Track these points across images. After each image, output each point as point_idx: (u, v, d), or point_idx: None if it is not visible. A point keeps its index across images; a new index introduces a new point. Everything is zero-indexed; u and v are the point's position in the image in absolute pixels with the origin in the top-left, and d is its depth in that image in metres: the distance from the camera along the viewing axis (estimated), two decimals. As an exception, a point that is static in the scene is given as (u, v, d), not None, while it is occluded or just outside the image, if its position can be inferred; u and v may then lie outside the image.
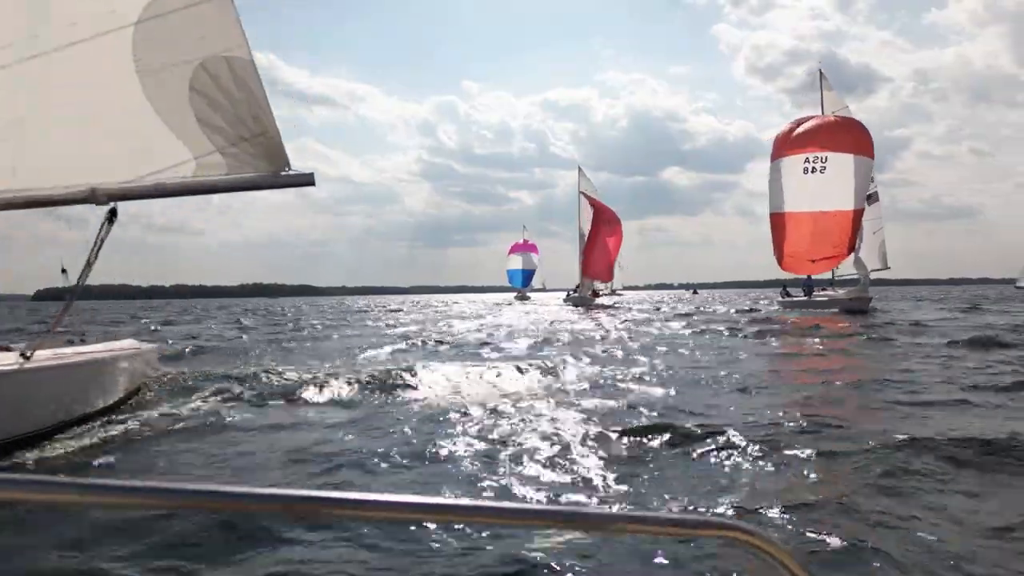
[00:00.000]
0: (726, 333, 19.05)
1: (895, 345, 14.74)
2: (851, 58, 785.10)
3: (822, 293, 32.62)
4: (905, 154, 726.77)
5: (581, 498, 4.32)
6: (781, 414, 6.89)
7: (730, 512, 3.99)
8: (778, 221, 30.74)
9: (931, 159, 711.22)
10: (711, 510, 4.00)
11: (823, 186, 29.04)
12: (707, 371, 10.37)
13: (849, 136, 29.40)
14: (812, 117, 31.38)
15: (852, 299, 29.52)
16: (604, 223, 51.46)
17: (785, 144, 30.50)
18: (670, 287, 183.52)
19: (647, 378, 9.76)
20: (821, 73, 32.77)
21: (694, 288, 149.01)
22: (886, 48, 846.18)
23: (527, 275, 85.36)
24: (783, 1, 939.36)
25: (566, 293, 58.20)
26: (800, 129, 30.44)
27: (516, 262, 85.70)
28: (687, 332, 19.90)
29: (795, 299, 33.47)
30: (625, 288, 66.37)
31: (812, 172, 29.38)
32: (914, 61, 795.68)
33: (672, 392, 8.50)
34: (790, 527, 3.73)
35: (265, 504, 0.95)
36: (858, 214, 28.99)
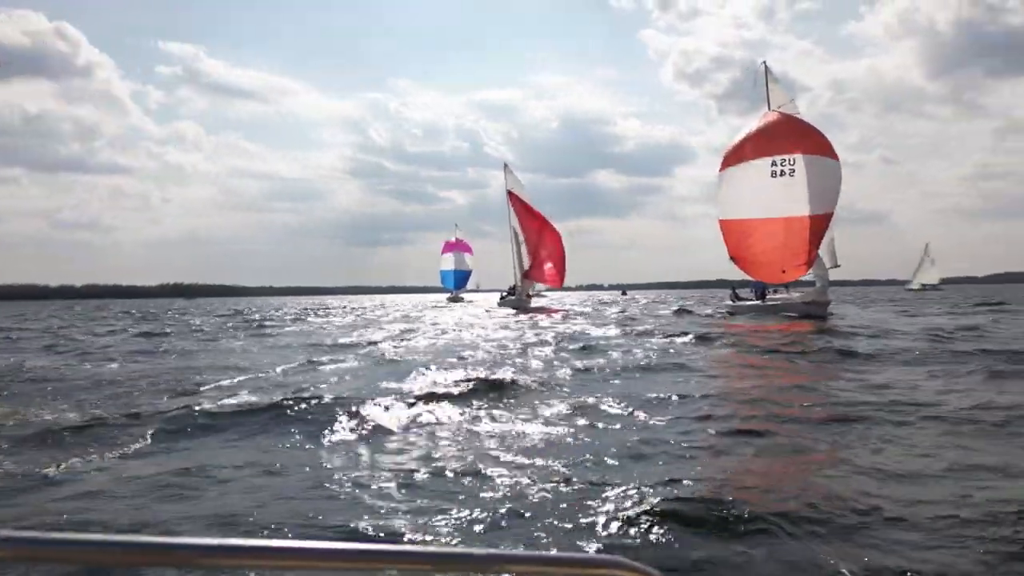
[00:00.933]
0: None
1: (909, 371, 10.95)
2: (773, 67, 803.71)
3: (776, 296, 30.43)
4: None
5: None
6: None
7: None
8: (742, 228, 28.31)
9: (846, 167, 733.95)
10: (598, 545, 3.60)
11: (792, 190, 26.62)
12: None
13: (818, 138, 27.08)
14: (766, 115, 29.01)
15: (810, 303, 27.33)
16: (543, 221, 48.85)
17: (749, 146, 27.95)
18: (601, 288, 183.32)
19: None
20: (767, 67, 30.53)
21: (623, 289, 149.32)
22: (806, 58, 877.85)
23: (461, 276, 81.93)
24: (709, 9, 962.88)
25: (501, 295, 55.25)
26: (763, 128, 27.99)
27: (448, 262, 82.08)
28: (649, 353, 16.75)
29: (747, 303, 31.25)
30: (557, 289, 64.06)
31: (781, 175, 27.01)
32: (832, 71, 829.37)
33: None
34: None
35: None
36: (828, 218, 26.83)
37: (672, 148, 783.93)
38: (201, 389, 9.48)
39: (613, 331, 21.10)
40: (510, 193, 49.93)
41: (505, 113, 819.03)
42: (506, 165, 50.96)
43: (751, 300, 31.38)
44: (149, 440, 6.31)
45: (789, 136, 27.10)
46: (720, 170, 29.04)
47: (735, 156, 28.32)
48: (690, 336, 17.67)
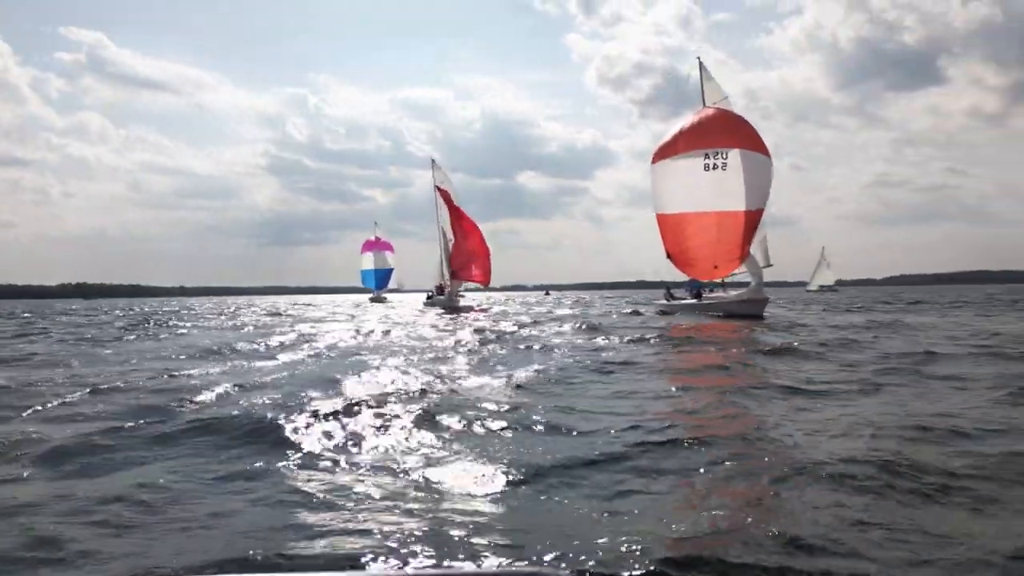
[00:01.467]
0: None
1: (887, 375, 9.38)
2: (692, 74, 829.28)
3: (711, 296, 29.82)
4: None
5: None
6: None
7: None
8: (677, 222, 27.49)
9: None
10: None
11: (725, 184, 25.83)
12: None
13: (749, 131, 26.42)
14: (701, 110, 28.45)
15: (747, 301, 26.68)
16: (469, 219, 47.36)
17: (682, 139, 27.04)
18: (524, 288, 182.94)
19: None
20: (701, 64, 29.98)
21: (547, 289, 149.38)
22: (722, 67, 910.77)
23: (382, 275, 79.21)
24: (631, 16, 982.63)
25: (427, 294, 53.31)
26: (697, 123, 27.11)
27: (369, 261, 79.25)
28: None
29: (682, 302, 30.54)
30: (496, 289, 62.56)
31: (713, 169, 26.22)
32: (746, 80, 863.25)
33: None
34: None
35: None
36: (760, 214, 26.25)
37: (595, 151, 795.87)
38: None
39: (565, 329, 19.87)
40: (439, 189, 48.26)
41: (429, 112, 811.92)
42: (434, 160, 49.28)
43: (686, 299, 30.72)
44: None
45: (722, 130, 26.42)
46: (653, 163, 28.17)
47: (669, 149, 27.45)
48: (647, 337, 16.40)
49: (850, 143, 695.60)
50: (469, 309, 42.29)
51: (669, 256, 28.31)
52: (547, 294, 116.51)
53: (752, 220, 26.05)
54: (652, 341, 15.64)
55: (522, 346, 14.79)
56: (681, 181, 26.82)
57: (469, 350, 14.00)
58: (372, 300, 75.39)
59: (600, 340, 16.20)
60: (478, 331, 19.16)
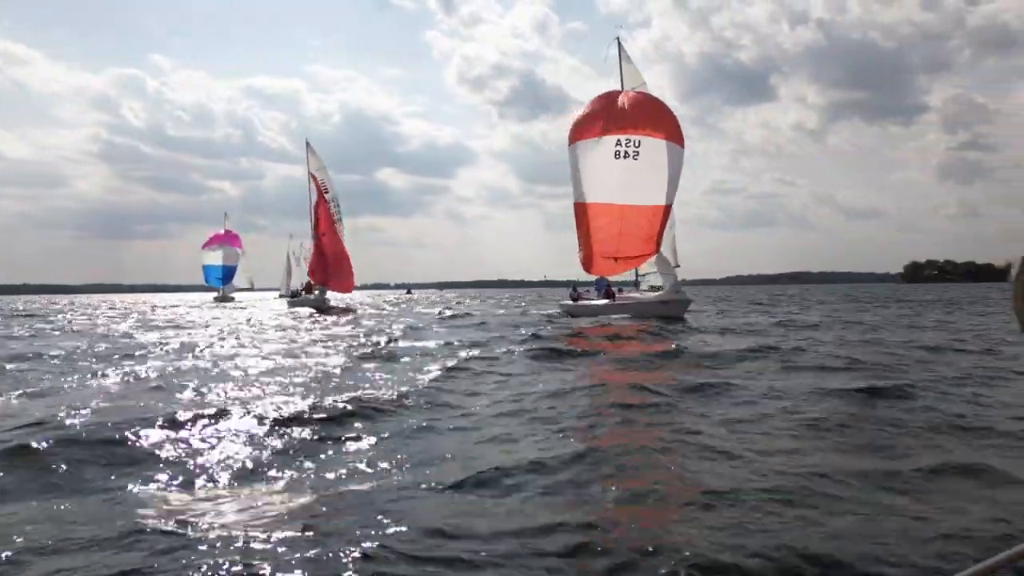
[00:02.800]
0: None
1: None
2: (547, 78, 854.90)
3: (628, 296, 27.48)
4: None
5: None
6: None
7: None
8: (585, 212, 24.76)
9: None
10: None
11: (635, 175, 23.51)
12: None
13: (666, 119, 24.31)
14: (617, 93, 25.98)
15: (667, 302, 24.46)
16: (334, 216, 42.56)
17: (594, 121, 24.43)
18: (387, 287, 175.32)
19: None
20: (620, 43, 27.67)
21: (409, 288, 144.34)
22: (575, 74, 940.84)
23: (229, 272, 71.34)
24: (490, 17, 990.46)
25: (292, 293, 47.84)
26: (612, 106, 24.54)
27: (214, 256, 71.08)
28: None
29: (591, 302, 28.02)
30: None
31: (624, 157, 23.70)
32: (598, 88, 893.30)
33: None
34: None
35: None
36: (668, 210, 24.22)
37: (456, 149, 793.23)
38: None
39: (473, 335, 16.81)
40: (313, 177, 43.02)
41: (283, 103, 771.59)
42: (309, 144, 43.98)
43: (593, 299, 28.25)
44: None
45: (638, 116, 24.14)
46: (569, 144, 25.46)
47: (584, 129, 24.81)
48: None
49: (692, 151, 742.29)
50: (344, 310, 37.81)
51: (585, 263, 25.80)
52: (409, 292, 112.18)
53: (658, 216, 24.00)
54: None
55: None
56: (591, 166, 24.29)
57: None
58: (217, 300, 67.77)
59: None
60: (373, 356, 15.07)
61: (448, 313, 32.49)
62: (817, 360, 11.08)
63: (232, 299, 69.63)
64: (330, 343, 15.57)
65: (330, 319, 28.08)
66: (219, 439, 5.67)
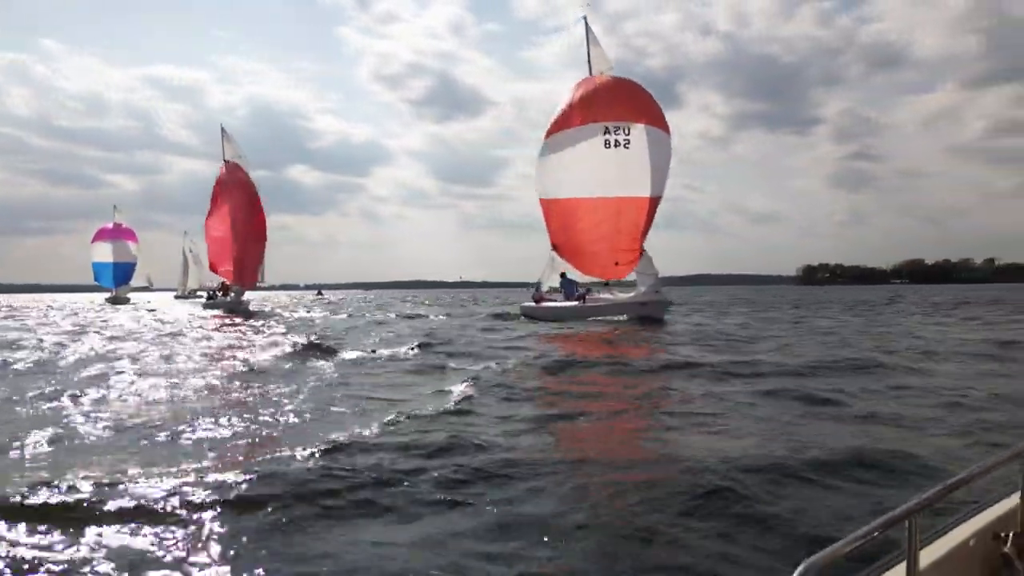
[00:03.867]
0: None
1: None
2: (463, 79, 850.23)
3: (600, 297, 25.23)
4: (507, 171, 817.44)
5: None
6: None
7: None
8: (569, 210, 22.50)
9: (527, 178, 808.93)
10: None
11: (628, 166, 21.52)
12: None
13: (652, 104, 22.29)
14: (589, 80, 23.59)
15: (648, 303, 22.55)
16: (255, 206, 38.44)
17: (579, 109, 22.17)
18: (296, 287, 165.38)
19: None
20: (587, 24, 25.37)
21: (319, 289, 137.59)
22: (490, 75, 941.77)
23: (123, 269, 64.23)
24: (405, 16, 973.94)
25: (208, 294, 43.16)
26: (592, 92, 22.42)
27: (105, 252, 63.75)
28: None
29: (557, 305, 25.59)
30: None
31: (615, 147, 21.59)
32: (515, 90, 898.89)
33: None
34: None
35: None
36: (656, 203, 22.43)
37: (371, 148, 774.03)
38: None
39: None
40: (229, 165, 38.72)
41: (185, 94, 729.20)
42: (224, 130, 39.68)
43: (558, 301, 25.87)
44: None
45: (624, 101, 22.10)
46: (545, 138, 23.05)
47: (562, 121, 22.50)
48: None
49: None
50: (265, 314, 33.90)
51: (555, 248, 23.44)
52: (319, 294, 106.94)
53: (654, 209, 22.17)
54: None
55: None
56: (575, 158, 22.05)
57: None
58: (111, 301, 61.02)
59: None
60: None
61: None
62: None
63: (127, 300, 63.10)
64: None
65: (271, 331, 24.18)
66: None
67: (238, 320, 27.42)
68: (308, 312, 37.04)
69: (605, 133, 21.67)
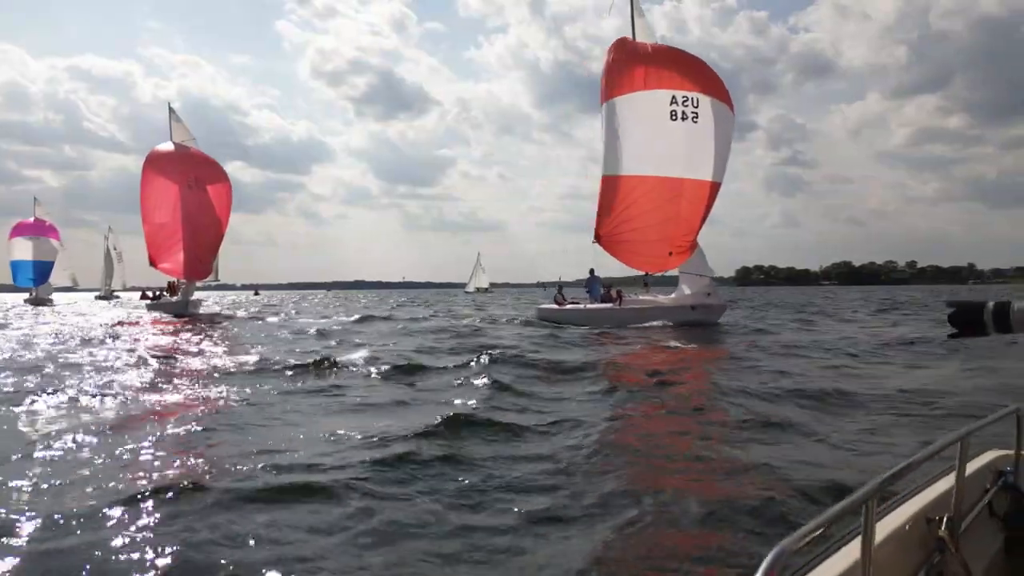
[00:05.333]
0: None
1: None
2: (407, 77, 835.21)
3: (636, 300, 21.81)
4: (451, 171, 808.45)
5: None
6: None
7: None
8: (624, 188, 19.04)
9: (470, 179, 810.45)
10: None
11: (693, 143, 18.32)
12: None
13: (718, 78, 19.13)
14: (645, 43, 20.08)
15: (701, 306, 19.16)
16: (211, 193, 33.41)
17: (640, 70, 18.75)
18: (232, 287, 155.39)
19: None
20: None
21: (256, 289, 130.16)
22: (435, 74, 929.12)
23: (44, 268, 57.54)
24: (346, 11, 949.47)
25: (152, 294, 37.88)
26: (652, 55, 19.08)
27: (25, 249, 57.12)
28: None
29: (583, 308, 22.06)
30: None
31: (682, 119, 18.35)
32: (458, 90, 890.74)
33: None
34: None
35: None
36: (717, 191, 19.06)
37: (311, 145, 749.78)
38: None
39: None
40: (179, 148, 33.71)
41: (113, 86, 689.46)
42: (172, 109, 34.74)
43: (585, 303, 22.42)
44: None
45: (688, 69, 18.94)
46: (603, 100, 19.50)
47: (624, 80, 19.06)
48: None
49: (548, 157, 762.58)
50: (218, 317, 29.31)
51: (597, 237, 19.98)
52: (256, 294, 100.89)
53: (714, 197, 19.02)
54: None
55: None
56: (639, 130, 18.68)
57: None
58: (31, 302, 54.38)
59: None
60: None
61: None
62: None
63: (50, 301, 56.69)
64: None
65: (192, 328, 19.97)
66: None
67: (190, 330, 22.84)
68: (281, 315, 32.31)
69: (672, 103, 18.40)
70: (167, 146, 33.94)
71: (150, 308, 35.11)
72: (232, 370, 9.88)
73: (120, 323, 24.69)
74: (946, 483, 1.83)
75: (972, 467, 1.94)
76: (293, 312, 35.44)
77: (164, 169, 32.32)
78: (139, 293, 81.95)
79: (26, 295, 57.68)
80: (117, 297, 72.37)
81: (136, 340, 15.40)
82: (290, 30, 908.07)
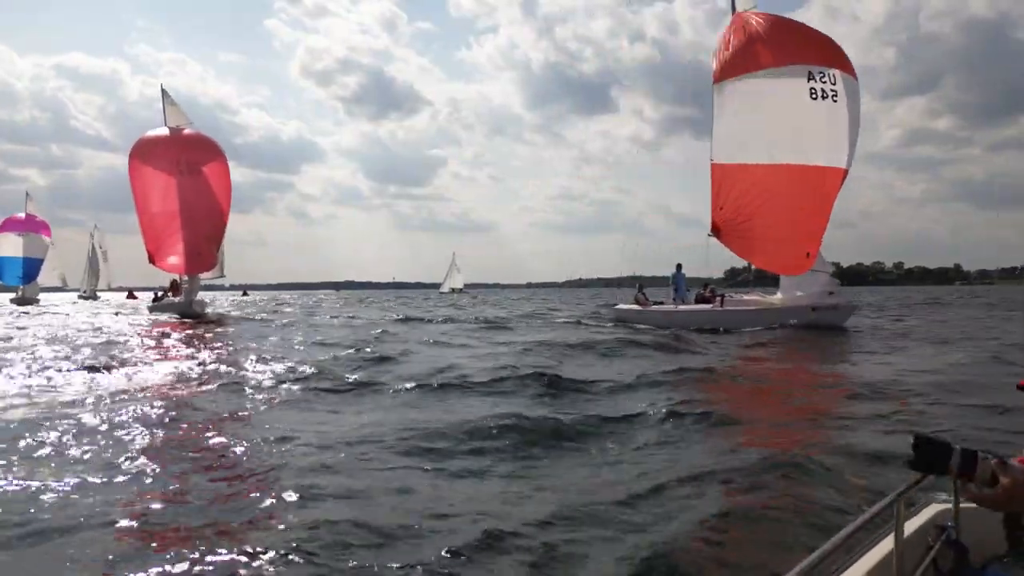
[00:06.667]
0: None
1: None
2: (398, 77, 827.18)
3: (741, 300, 19.02)
4: (442, 172, 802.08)
5: None
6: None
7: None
8: (751, 178, 16.52)
9: (461, 179, 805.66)
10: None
11: (834, 124, 15.87)
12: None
13: (840, 48, 16.70)
14: (742, 15, 17.49)
15: (824, 307, 16.87)
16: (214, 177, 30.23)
17: (766, 45, 16.30)
18: (221, 288, 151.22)
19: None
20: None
21: (245, 290, 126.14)
22: (425, 74, 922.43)
23: (34, 265, 54.04)
24: (336, 10, 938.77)
25: (154, 294, 34.81)
26: (776, 24, 16.65)
27: (14, 245, 53.58)
28: None
29: (679, 309, 19.55)
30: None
31: (821, 98, 15.80)
32: (449, 90, 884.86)
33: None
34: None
35: None
36: (844, 179, 16.57)
37: (301, 145, 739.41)
38: None
39: None
40: (174, 132, 30.68)
41: (100, 85, 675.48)
42: (165, 91, 31.66)
43: (678, 303, 19.93)
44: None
45: (818, 41, 16.52)
46: (716, 80, 16.97)
47: (741, 59, 16.54)
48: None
49: (539, 157, 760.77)
50: (223, 320, 26.53)
51: (715, 231, 17.48)
52: (244, 294, 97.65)
53: (842, 184, 16.59)
54: None
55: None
56: (771, 112, 16.14)
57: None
58: (17, 302, 51.35)
59: None
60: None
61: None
62: None
63: (36, 301, 53.58)
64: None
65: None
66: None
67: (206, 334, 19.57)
68: (313, 315, 29.31)
69: (810, 79, 15.83)
70: (160, 131, 30.81)
71: (151, 310, 31.98)
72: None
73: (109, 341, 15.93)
74: (888, 544, 1.83)
75: (913, 524, 2.00)
76: (327, 316, 32.31)
77: (151, 155, 29.04)
78: (125, 293, 79.34)
79: (12, 295, 54.23)
80: (98, 297, 69.02)
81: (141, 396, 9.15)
82: (280, 28, 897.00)
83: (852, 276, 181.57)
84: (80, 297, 69.50)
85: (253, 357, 11.36)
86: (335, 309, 37.80)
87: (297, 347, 13.91)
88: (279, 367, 9.90)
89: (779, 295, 18.40)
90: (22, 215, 54.66)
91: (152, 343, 15.09)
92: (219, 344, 14.73)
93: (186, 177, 29.12)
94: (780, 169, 16.26)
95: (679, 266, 20.58)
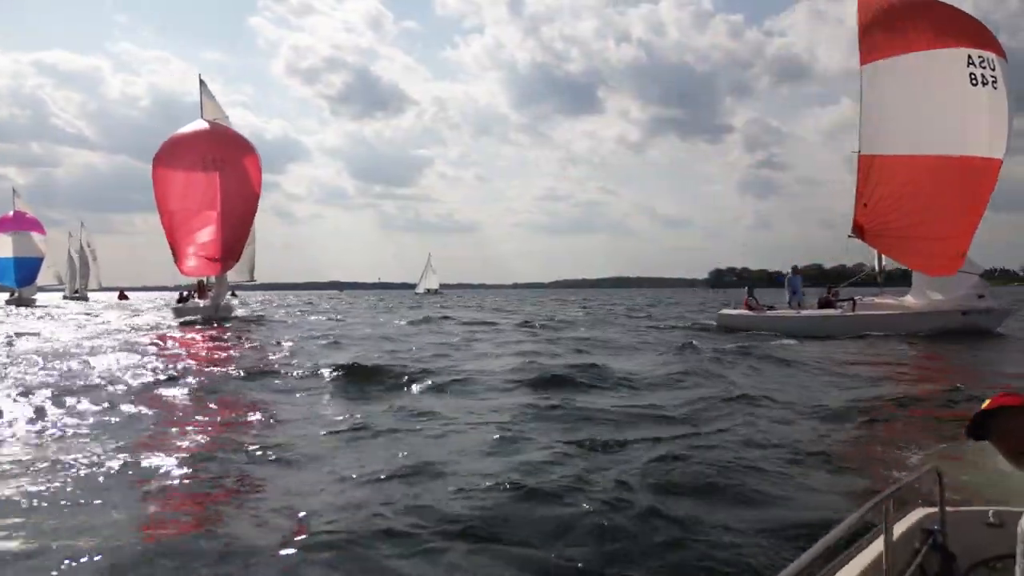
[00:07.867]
0: None
1: None
2: (383, 75, 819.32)
3: (873, 304, 17.34)
4: (428, 172, 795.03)
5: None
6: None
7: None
8: (906, 170, 15.03)
9: (447, 179, 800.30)
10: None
11: (996, 113, 14.53)
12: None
13: (993, 34, 15.38)
14: None
15: (974, 311, 15.37)
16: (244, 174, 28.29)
17: (917, 25, 14.77)
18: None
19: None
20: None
21: (233, 290, 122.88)
22: (411, 73, 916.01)
23: (28, 266, 51.38)
24: (321, 8, 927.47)
25: (181, 297, 32.63)
26: (918, 3, 15.18)
27: (4, 245, 50.83)
28: None
29: (802, 314, 18.03)
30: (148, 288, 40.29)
31: (982, 84, 14.42)
32: (435, 89, 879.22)
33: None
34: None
35: None
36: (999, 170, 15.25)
37: (285, 144, 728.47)
38: None
39: None
40: (212, 124, 29.17)
41: (80, 82, 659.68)
42: (203, 81, 30.30)
43: (794, 307, 18.43)
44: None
45: (975, 24, 15.15)
46: (863, 62, 15.48)
47: (887, 41, 15.07)
48: None
49: (525, 158, 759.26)
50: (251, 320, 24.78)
51: (859, 232, 16.00)
52: (233, 295, 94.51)
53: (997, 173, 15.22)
54: None
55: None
56: (927, 99, 14.66)
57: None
58: (13, 303, 49.18)
59: None
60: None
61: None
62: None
63: (33, 302, 51.03)
64: None
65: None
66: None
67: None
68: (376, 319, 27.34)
69: (969, 64, 14.42)
70: (198, 124, 29.07)
71: (177, 312, 29.85)
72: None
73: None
74: (876, 548, 1.79)
75: (900, 528, 1.95)
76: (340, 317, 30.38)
77: (175, 151, 27.11)
78: (117, 293, 76.23)
79: (7, 295, 51.57)
80: (87, 298, 66.04)
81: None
82: (264, 26, 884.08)
83: (834, 277, 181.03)
84: (66, 298, 66.27)
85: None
86: (370, 313, 35.77)
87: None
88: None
89: (910, 298, 16.98)
90: (10, 213, 51.93)
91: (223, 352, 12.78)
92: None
93: (209, 173, 27.20)
94: (940, 161, 14.83)
95: (795, 268, 19.17)
